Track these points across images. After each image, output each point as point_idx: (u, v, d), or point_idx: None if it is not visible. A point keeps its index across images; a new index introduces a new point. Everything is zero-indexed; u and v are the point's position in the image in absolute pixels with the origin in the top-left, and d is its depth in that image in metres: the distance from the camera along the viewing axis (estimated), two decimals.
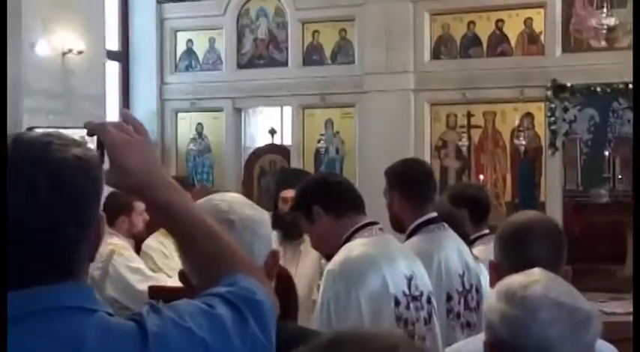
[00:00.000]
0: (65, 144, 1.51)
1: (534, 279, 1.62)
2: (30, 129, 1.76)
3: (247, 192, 12.94)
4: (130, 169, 1.66)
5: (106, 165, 1.68)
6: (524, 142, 11.51)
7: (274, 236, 3.26)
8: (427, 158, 11.94)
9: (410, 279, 3.13)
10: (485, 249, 4.40)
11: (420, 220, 3.68)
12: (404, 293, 3.09)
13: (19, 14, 9.84)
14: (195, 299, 1.64)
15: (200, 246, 1.72)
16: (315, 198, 3.21)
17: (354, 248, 3.10)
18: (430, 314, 3.19)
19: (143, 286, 4.71)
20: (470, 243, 4.45)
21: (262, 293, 1.70)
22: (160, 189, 1.70)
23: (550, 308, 1.56)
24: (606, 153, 15.47)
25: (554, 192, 11.61)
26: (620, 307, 9.41)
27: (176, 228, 1.73)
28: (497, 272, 2.48)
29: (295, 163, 12.64)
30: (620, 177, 15.05)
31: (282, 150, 13.11)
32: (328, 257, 3.45)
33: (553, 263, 2.48)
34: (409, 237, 3.69)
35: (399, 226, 3.75)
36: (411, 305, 3.10)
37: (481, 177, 11.67)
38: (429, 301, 3.20)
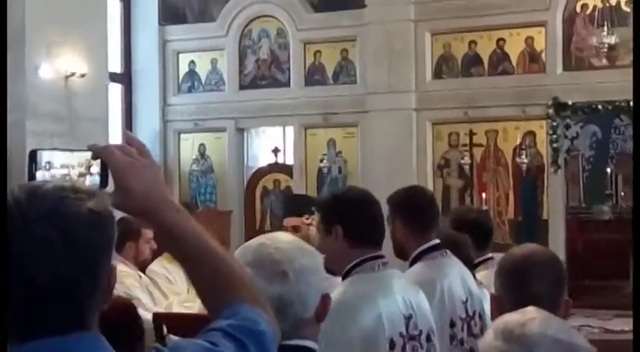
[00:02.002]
0: (80, 199, 1.51)
1: (531, 317, 1.64)
2: (34, 152, 1.74)
3: (250, 212, 12.99)
4: (135, 191, 1.67)
5: (110, 187, 1.70)
6: (526, 160, 11.52)
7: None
8: (430, 177, 11.99)
9: (409, 319, 3.09)
10: (489, 274, 4.40)
11: (422, 247, 3.68)
12: (400, 335, 3.04)
13: (22, 38, 9.90)
14: (198, 337, 1.66)
15: (203, 268, 1.73)
16: (341, 218, 3.16)
17: (352, 285, 3.08)
18: None
19: (144, 314, 4.73)
20: (473, 268, 4.46)
21: (265, 322, 1.71)
22: (164, 210, 1.71)
23: (548, 346, 1.58)
24: (608, 169, 15.51)
25: (556, 210, 11.62)
26: (627, 324, 9.42)
27: (180, 250, 1.74)
28: (499, 306, 2.49)
29: (298, 183, 12.66)
30: (622, 193, 15.08)
31: (284, 170, 13.14)
32: (329, 271, 3.44)
33: (554, 296, 2.51)
34: (412, 264, 3.70)
35: (402, 253, 3.75)
36: (407, 345, 3.06)
37: (483, 195, 11.69)
38: (428, 339, 3.16)
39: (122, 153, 1.69)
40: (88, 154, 1.70)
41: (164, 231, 1.72)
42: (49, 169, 1.72)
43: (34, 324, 1.48)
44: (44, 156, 1.72)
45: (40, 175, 1.71)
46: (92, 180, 1.70)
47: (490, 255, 4.61)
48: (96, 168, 1.69)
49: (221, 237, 11.62)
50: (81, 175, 1.71)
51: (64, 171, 1.72)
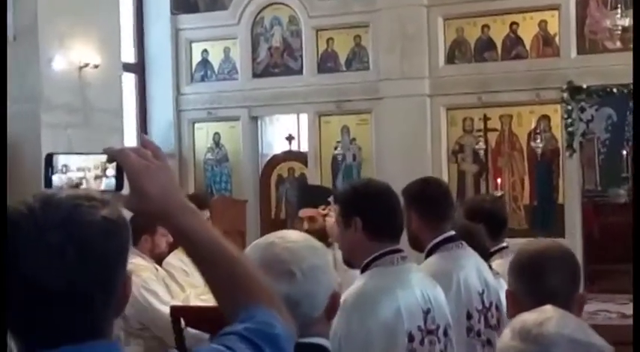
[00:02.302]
0: (94, 207, 1.52)
1: (548, 316, 1.64)
2: (50, 155, 1.76)
3: (265, 200, 13.01)
4: (150, 194, 1.67)
5: (126, 190, 1.71)
6: (541, 145, 11.49)
7: None
8: (444, 162, 11.97)
9: (427, 313, 3.09)
10: (503, 263, 4.40)
11: (438, 239, 3.68)
12: (419, 328, 3.05)
13: (35, 30, 9.93)
14: (214, 342, 1.67)
15: (219, 271, 1.73)
16: (359, 210, 3.16)
17: (372, 278, 3.09)
18: (446, 347, 3.17)
19: (162, 307, 4.74)
20: (488, 257, 4.46)
21: (280, 324, 1.72)
22: (179, 213, 1.71)
23: (565, 345, 1.58)
24: (624, 152, 15.42)
25: (572, 194, 11.58)
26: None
27: (195, 253, 1.75)
28: (515, 301, 2.50)
29: (313, 170, 12.67)
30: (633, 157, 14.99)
31: (299, 157, 13.14)
32: (347, 263, 3.45)
33: (569, 291, 2.51)
34: (427, 256, 3.70)
35: (417, 245, 3.76)
36: (426, 340, 3.07)
37: (498, 180, 11.66)
38: (445, 334, 3.16)
39: (137, 156, 1.70)
40: (104, 157, 1.71)
41: (180, 233, 1.73)
42: (65, 172, 1.73)
43: (48, 333, 1.49)
44: (60, 160, 1.74)
45: (56, 178, 1.72)
46: (108, 183, 1.71)
47: (505, 244, 4.61)
48: (112, 171, 1.70)
49: (236, 226, 11.69)
50: (97, 178, 1.72)
51: (80, 174, 1.73)
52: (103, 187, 1.70)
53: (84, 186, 1.70)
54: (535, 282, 2.47)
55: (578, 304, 2.51)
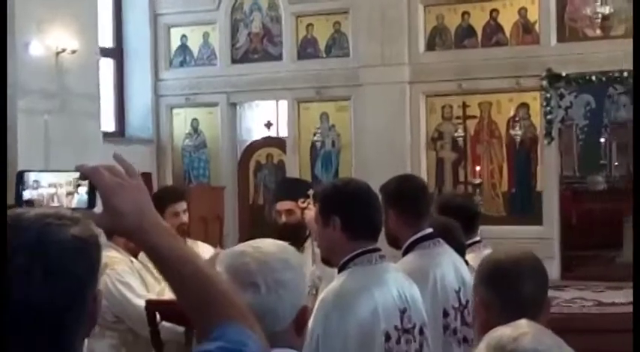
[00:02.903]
0: (64, 225, 1.50)
1: (523, 332, 1.62)
2: (21, 173, 1.73)
3: (243, 186, 12.99)
4: (123, 212, 1.66)
5: (99, 208, 1.69)
6: (519, 132, 11.52)
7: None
8: (423, 149, 11.98)
9: (403, 312, 3.10)
10: (477, 257, 4.41)
11: (415, 237, 3.67)
12: (395, 328, 3.06)
13: (12, 15, 9.81)
14: None
15: (191, 288, 1.71)
16: (338, 209, 3.15)
17: (350, 277, 3.09)
18: (422, 346, 3.17)
19: (137, 300, 4.70)
20: (464, 253, 4.46)
21: (253, 342, 1.71)
22: (152, 232, 1.70)
23: None
24: (602, 139, 15.52)
25: (550, 182, 11.62)
26: (619, 296, 9.47)
27: (168, 271, 1.73)
28: (486, 310, 2.49)
29: (291, 157, 12.65)
30: (616, 163, 15.10)
31: (278, 143, 13.12)
32: (325, 261, 3.44)
33: (540, 298, 2.52)
34: (405, 253, 3.69)
35: (395, 243, 3.75)
36: (402, 338, 3.08)
37: (477, 167, 11.69)
38: (421, 332, 3.17)
39: (111, 174, 1.68)
40: (76, 174, 1.69)
41: (153, 252, 1.71)
42: (36, 188, 1.71)
43: (21, 350, 1.47)
44: (31, 176, 1.72)
45: (27, 194, 1.71)
46: (79, 199, 1.69)
47: (478, 238, 4.62)
48: (84, 188, 1.68)
49: (215, 212, 11.66)
50: (69, 194, 1.70)
51: (52, 190, 1.71)
52: (74, 204, 1.68)
53: (55, 202, 1.69)
54: (511, 291, 2.47)
55: (545, 310, 2.52)
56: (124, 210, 1.66)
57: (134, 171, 1.73)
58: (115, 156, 1.79)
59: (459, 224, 4.21)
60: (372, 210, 3.19)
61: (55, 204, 1.68)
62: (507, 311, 2.39)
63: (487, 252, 4.39)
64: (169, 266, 1.70)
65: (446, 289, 3.64)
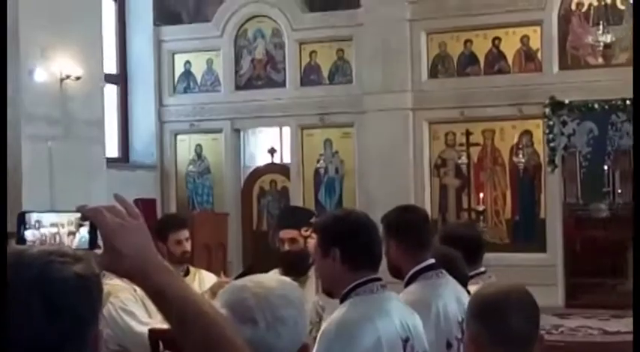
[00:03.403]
0: (66, 262, 1.50)
1: None
2: (22, 214, 1.75)
3: (247, 212, 12.99)
4: (125, 253, 1.66)
5: (100, 249, 1.69)
6: (523, 160, 11.53)
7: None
8: (427, 176, 11.99)
9: (406, 341, 3.10)
10: None
11: (417, 268, 3.66)
12: None
13: (16, 41, 9.88)
14: None
15: (194, 330, 1.70)
16: (338, 241, 3.14)
17: (352, 307, 3.08)
18: None
19: (140, 328, 4.69)
20: (467, 285, 4.44)
21: None
22: (154, 273, 1.69)
23: None
24: (605, 166, 15.46)
25: (554, 209, 11.62)
26: (623, 325, 9.43)
27: (170, 312, 1.73)
28: (476, 345, 2.49)
29: (295, 183, 12.66)
30: (619, 191, 15.03)
31: (281, 170, 13.13)
32: (327, 292, 3.43)
33: (531, 332, 2.50)
34: (407, 284, 3.69)
35: (397, 274, 3.74)
36: None
37: (481, 194, 11.68)
38: None
39: (112, 215, 1.68)
40: (78, 214, 1.70)
41: (155, 293, 1.71)
42: (38, 228, 1.72)
43: None
44: (33, 216, 1.73)
45: (29, 234, 1.71)
46: (81, 240, 1.70)
47: (483, 268, 4.59)
48: (85, 228, 1.69)
49: (218, 239, 11.64)
50: (70, 234, 1.71)
51: (54, 229, 1.72)
52: (76, 244, 1.69)
53: (57, 242, 1.69)
54: (500, 325, 2.46)
55: (539, 346, 2.50)
56: (125, 251, 1.66)
57: (135, 211, 1.72)
58: (115, 196, 1.79)
59: (463, 255, 4.19)
60: (371, 240, 3.19)
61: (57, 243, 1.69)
62: (495, 345, 2.39)
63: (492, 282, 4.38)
64: (171, 307, 1.70)
65: (449, 320, 3.62)
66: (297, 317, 2.07)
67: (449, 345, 3.59)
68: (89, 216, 1.68)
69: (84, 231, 1.68)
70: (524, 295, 2.56)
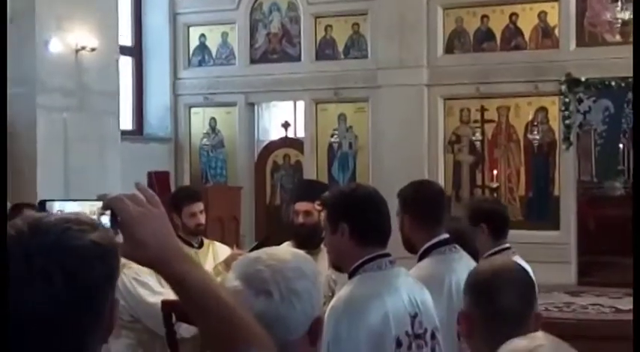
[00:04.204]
0: (83, 230, 1.50)
1: (539, 344, 1.61)
2: (43, 202, 1.76)
3: (260, 186, 13.00)
4: (146, 242, 1.67)
5: (121, 237, 1.70)
6: (538, 137, 11.48)
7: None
8: (440, 153, 11.95)
9: (414, 317, 3.09)
10: None
11: (430, 242, 3.67)
12: (407, 334, 3.04)
13: (32, 12, 9.87)
14: None
15: (213, 317, 1.73)
16: (346, 215, 3.14)
17: (360, 284, 3.08)
18: (433, 350, 3.16)
19: (153, 299, 4.72)
20: (490, 257, 4.44)
21: None
22: (175, 261, 1.70)
23: None
24: (621, 144, 15.39)
25: (568, 187, 11.58)
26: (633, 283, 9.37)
27: (189, 300, 1.73)
28: (469, 322, 2.49)
29: (309, 158, 12.65)
30: (633, 154, 14.98)
31: (295, 144, 13.11)
32: (336, 267, 3.43)
33: (523, 310, 2.49)
34: (420, 259, 3.69)
35: (411, 248, 3.75)
36: (413, 344, 3.06)
37: (494, 171, 11.65)
38: (432, 337, 3.16)
39: (133, 203, 1.69)
40: (99, 203, 1.70)
41: (175, 281, 1.71)
42: None
43: None
44: (55, 205, 1.76)
45: None
46: None
47: (507, 244, 4.58)
48: (106, 217, 1.70)
49: (231, 212, 11.66)
50: None
51: None
52: None
53: None
54: (490, 303, 2.46)
55: (533, 323, 2.48)
56: (146, 239, 1.68)
57: (156, 199, 1.73)
58: (136, 185, 1.79)
59: (488, 229, 4.21)
60: (380, 215, 3.17)
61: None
62: (486, 322, 2.39)
63: (516, 258, 4.39)
64: (192, 294, 1.70)
65: (461, 295, 3.62)
66: (311, 290, 2.07)
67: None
68: (110, 204, 1.69)
69: (105, 220, 1.68)
70: (517, 273, 2.55)
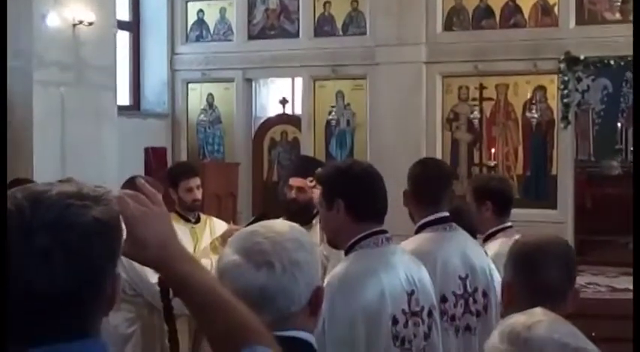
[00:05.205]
0: (85, 206, 1.49)
1: (537, 320, 1.61)
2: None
3: (257, 163, 12.98)
4: (149, 241, 1.68)
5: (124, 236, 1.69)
6: (536, 115, 11.45)
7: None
8: (438, 130, 11.92)
9: (411, 295, 3.08)
10: (508, 242, 4.40)
11: (426, 219, 3.67)
12: (403, 311, 3.03)
13: None
14: None
15: (216, 318, 1.74)
16: (342, 192, 3.12)
17: (355, 261, 3.06)
18: (430, 328, 3.15)
19: (155, 279, 4.73)
20: (492, 235, 4.46)
21: None
22: (177, 260, 1.71)
23: (554, 350, 1.55)
24: (619, 124, 15.40)
25: (565, 166, 11.56)
26: (632, 283, 9.40)
27: (192, 299, 1.75)
28: (510, 292, 2.49)
29: (306, 134, 12.62)
30: (632, 148, 14.98)
31: (293, 121, 13.08)
32: (332, 244, 3.41)
33: (564, 284, 2.51)
34: (415, 234, 3.71)
35: (413, 222, 3.79)
36: (410, 322, 3.05)
37: (492, 150, 11.63)
38: (429, 315, 3.16)
39: (135, 202, 1.69)
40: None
41: (177, 280, 1.73)
42: None
43: (36, 333, 1.48)
44: None
45: None
46: None
47: (509, 223, 4.60)
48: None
49: (228, 189, 11.66)
50: None
51: None
52: None
53: None
54: (533, 276, 2.46)
55: (571, 299, 2.50)
56: (149, 239, 1.68)
57: (158, 198, 1.74)
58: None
59: (493, 208, 4.24)
60: (376, 191, 3.17)
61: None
62: (528, 295, 2.38)
63: (517, 237, 4.40)
64: (194, 294, 1.72)
65: (447, 273, 3.60)
66: (310, 260, 2.07)
67: (444, 299, 3.58)
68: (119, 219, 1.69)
69: None
70: (562, 247, 2.55)
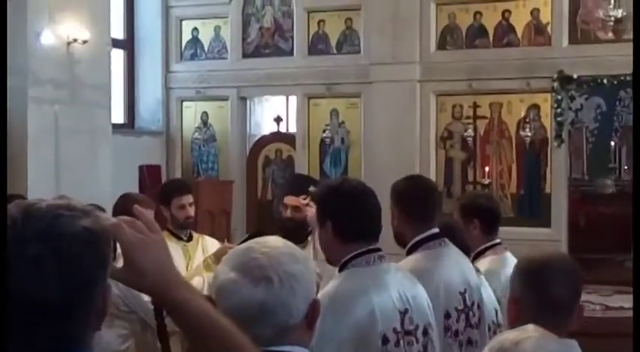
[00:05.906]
0: (75, 217, 1.51)
1: (526, 336, 1.61)
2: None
3: (252, 181, 12.98)
4: (145, 269, 1.68)
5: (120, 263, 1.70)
6: (530, 134, 11.47)
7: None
8: (432, 148, 11.95)
9: (404, 313, 3.07)
10: (497, 259, 4.41)
11: (419, 237, 3.66)
12: (394, 330, 3.02)
13: (24, 4, 9.82)
14: None
15: (211, 344, 1.75)
16: (331, 212, 3.15)
17: (346, 279, 3.06)
18: (425, 347, 3.13)
19: (148, 297, 4.72)
20: (481, 253, 4.46)
21: None
22: (174, 287, 1.72)
23: None
24: (612, 142, 15.43)
25: (559, 184, 11.58)
26: (626, 301, 9.42)
27: (188, 326, 1.76)
28: (518, 308, 2.50)
29: (301, 153, 12.63)
30: (626, 167, 15.00)
31: (287, 139, 13.10)
32: (328, 261, 3.41)
33: (571, 300, 2.52)
34: (408, 253, 3.69)
35: (401, 243, 3.75)
36: (402, 341, 3.03)
37: (486, 168, 11.65)
38: (425, 333, 3.14)
39: (132, 230, 1.69)
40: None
41: (173, 308, 1.74)
42: None
43: (28, 342, 1.48)
44: None
45: None
46: None
47: (498, 240, 4.59)
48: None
49: (222, 207, 11.66)
50: None
51: None
52: None
53: None
54: (540, 292, 2.48)
55: (577, 315, 2.52)
56: (146, 266, 1.68)
57: (155, 226, 1.74)
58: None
59: (480, 225, 4.23)
60: (364, 211, 3.16)
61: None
62: (536, 310, 2.39)
63: (507, 254, 4.40)
64: (191, 321, 1.73)
65: (449, 290, 3.61)
66: (306, 273, 2.08)
67: (447, 316, 3.58)
68: (109, 230, 1.69)
69: None
70: (569, 264, 2.58)
